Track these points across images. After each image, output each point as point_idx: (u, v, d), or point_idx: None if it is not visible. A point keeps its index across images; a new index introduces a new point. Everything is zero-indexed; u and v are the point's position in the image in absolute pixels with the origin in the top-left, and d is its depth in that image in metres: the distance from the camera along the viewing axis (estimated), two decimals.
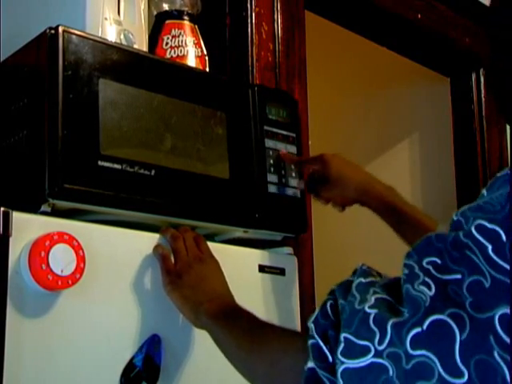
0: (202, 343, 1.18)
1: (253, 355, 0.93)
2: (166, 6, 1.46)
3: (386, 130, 2.60)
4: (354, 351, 0.68)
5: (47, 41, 1.10)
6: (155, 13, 1.46)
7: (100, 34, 1.24)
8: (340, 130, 2.68)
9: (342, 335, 0.70)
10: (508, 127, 2.33)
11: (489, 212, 0.68)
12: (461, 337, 0.63)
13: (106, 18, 1.26)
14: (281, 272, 1.33)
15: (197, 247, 1.18)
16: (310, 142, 1.61)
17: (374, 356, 0.66)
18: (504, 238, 0.65)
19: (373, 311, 0.69)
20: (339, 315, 0.75)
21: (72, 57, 1.10)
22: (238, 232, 1.31)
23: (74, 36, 1.11)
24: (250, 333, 0.97)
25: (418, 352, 0.64)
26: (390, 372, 0.65)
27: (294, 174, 1.37)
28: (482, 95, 2.32)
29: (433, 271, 0.68)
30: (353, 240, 2.48)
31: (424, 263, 0.69)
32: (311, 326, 0.78)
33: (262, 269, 1.30)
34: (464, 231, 0.68)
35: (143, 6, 1.36)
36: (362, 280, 0.76)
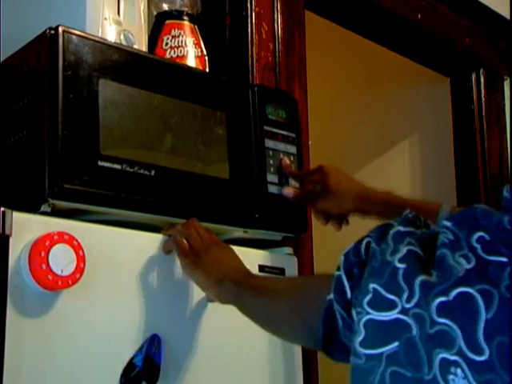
0: (202, 343, 1.18)
1: (277, 294, 0.97)
2: (165, 6, 1.46)
3: (386, 130, 2.60)
4: (381, 304, 0.68)
5: (47, 41, 1.10)
6: (155, 13, 1.46)
7: (100, 34, 1.24)
8: (340, 130, 2.68)
9: (371, 285, 0.69)
10: (508, 127, 2.33)
11: None
12: (486, 315, 0.62)
13: (105, 18, 1.26)
14: (281, 272, 1.33)
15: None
16: (309, 142, 1.61)
17: (400, 312, 0.66)
18: None
19: (402, 266, 0.68)
20: (370, 256, 0.74)
21: (72, 57, 1.10)
22: (238, 232, 1.31)
23: (74, 36, 1.11)
24: (276, 283, 1.04)
25: (442, 320, 0.63)
26: (414, 331, 0.65)
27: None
28: (482, 95, 2.32)
29: (479, 250, 0.65)
30: (353, 240, 2.47)
31: (473, 241, 0.66)
32: (342, 258, 0.79)
33: (262, 269, 1.30)
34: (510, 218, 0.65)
35: (143, 6, 1.36)
36: (401, 228, 0.74)
